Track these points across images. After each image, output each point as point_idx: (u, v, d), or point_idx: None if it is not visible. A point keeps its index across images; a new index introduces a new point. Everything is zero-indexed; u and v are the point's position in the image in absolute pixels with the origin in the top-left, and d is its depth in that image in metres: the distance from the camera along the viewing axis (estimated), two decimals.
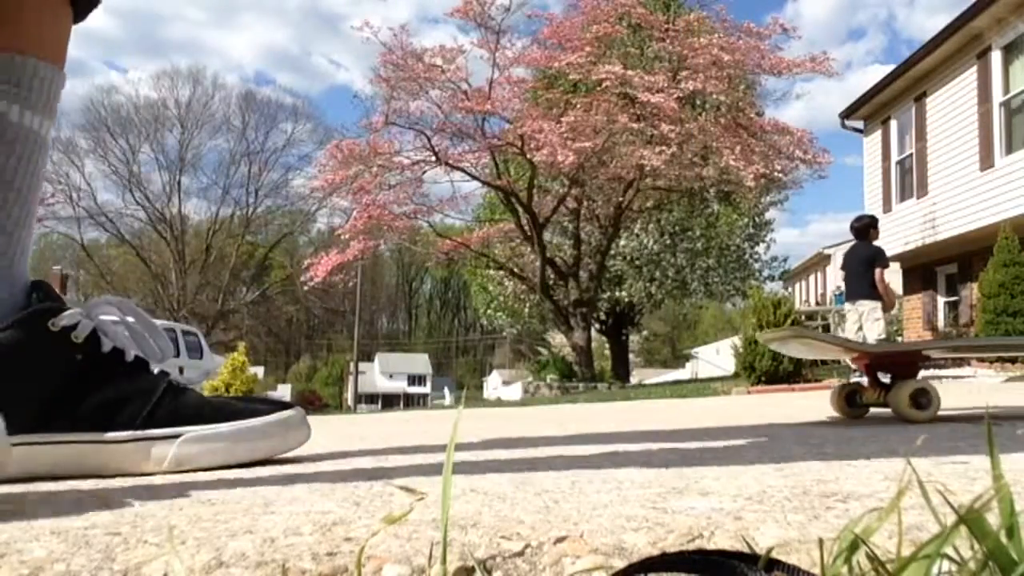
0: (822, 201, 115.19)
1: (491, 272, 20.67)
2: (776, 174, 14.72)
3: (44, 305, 1.04)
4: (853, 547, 0.37)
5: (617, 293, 21.67)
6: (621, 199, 15.80)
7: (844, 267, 7.16)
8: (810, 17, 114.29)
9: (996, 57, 10.81)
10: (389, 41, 14.40)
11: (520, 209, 15.31)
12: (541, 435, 1.60)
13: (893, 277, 15.80)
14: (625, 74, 13.05)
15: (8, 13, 1.05)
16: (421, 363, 72.01)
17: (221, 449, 1.09)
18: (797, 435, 1.38)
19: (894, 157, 13.74)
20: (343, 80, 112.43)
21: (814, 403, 3.15)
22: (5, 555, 0.51)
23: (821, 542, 0.45)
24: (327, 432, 2.15)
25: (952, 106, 11.82)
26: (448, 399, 58.26)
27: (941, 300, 13.30)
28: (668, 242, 20.58)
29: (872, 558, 0.37)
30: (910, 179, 13.16)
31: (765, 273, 23.40)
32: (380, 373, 68.33)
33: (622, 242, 20.05)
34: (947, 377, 7.77)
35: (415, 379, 70.43)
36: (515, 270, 18.06)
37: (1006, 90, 10.68)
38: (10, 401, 0.96)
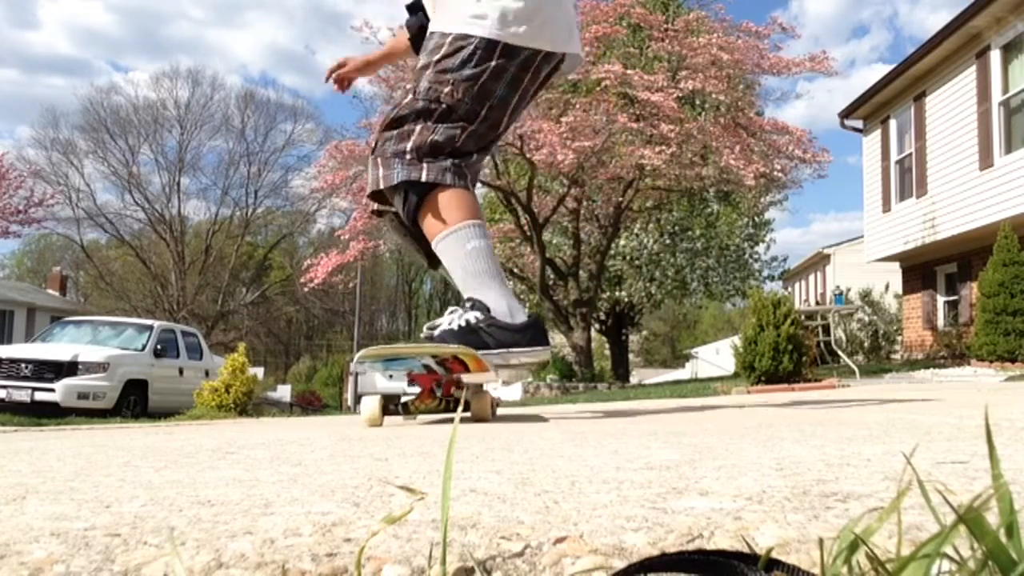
0: (825, 200, 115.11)
1: None
2: (776, 173, 14.73)
3: None
4: (853, 547, 0.37)
5: (617, 293, 21.66)
6: (621, 199, 15.81)
7: None
8: (814, 14, 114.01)
9: (995, 56, 10.81)
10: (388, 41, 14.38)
11: (520, 209, 15.31)
12: (541, 435, 1.60)
13: (893, 277, 15.83)
14: (625, 73, 13.04)
15: None
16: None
17: None
18: (797, 435, 1.38)
19: (893, 156, 13.74)
20: None
21: (814, 403, 3.15)
22: (5, 556, 0.51)
23: (821, 542, 0.45)
24: (327, 432, 2.15)
25: (951, 105, 11.82)
26: None
27: (941, 299, 13.31)
28: (668, 242, 20.57)
29: (872, 558, 0.37)
30: (909, 178, 13.17)
31: (765, 273, 23.40)
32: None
33: (622, 242, 20.04)
34: (947, 377, 7.78)
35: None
36: (515, 270, 18.05)
37: (1005, 89, 10.68)
38: None
